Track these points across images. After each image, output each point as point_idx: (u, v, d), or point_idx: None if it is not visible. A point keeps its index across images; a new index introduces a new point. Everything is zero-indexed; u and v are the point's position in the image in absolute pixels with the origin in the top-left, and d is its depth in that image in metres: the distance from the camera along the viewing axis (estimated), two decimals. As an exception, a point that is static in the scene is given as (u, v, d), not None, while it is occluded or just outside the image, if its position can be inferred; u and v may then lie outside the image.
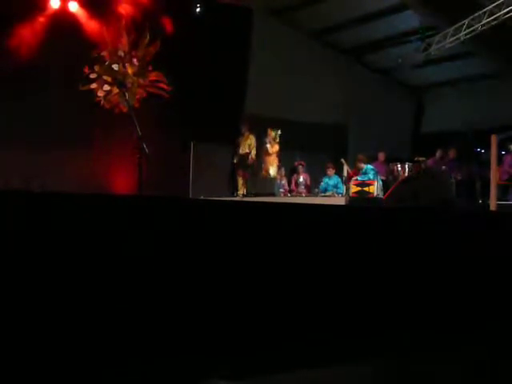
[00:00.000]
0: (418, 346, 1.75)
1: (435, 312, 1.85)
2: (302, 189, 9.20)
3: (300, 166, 9.59)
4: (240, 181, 9.57)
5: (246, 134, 9.75)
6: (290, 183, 9.88)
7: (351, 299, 1.70)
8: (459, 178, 8.85)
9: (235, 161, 9.71)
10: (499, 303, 2.01)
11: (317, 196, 8.78)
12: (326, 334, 1.62)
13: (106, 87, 9.16)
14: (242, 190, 9.32)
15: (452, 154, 9.37)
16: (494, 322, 1.95)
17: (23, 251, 1.22)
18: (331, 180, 9.41)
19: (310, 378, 1.50)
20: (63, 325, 1.24)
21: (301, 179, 9.34)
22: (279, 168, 9.48)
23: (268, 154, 9.59)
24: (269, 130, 9.66)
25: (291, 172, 9.87)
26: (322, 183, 9.40)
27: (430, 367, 1.67)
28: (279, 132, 9.64)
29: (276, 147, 9.58)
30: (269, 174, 9.46)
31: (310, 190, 9.41)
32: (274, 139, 9.64)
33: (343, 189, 9.07)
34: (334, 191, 9.09)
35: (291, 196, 8.97)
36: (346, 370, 1.57)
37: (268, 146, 9.63)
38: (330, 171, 9.46)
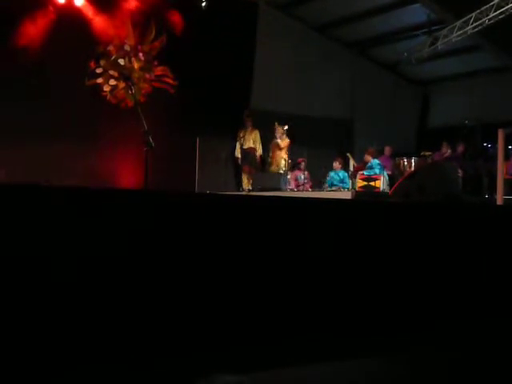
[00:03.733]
0: (420, 343, 1.75)
1: (436, 310, 1.85)
2: (301, 185, 9.20)
3: (303, 163, 9.57)
4: (245, 176, 9.57)
5: (250, 128, 9.74)
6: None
7: (352, 297, 1.69)
8: (464, 172, 8.82)
9: (239, 155, 9.72)
10: (503, 299, 2.01)
11: (323, 190, 8.76)
12: (327, 330, 1.62)
13: (112, 82, 9.16)
14: (247, 185, 9.32)
15: (461, 148, 9.34)
16: (496, 320, 1.94)
17: (30, 244, 1.22)
18: (337, 175, 9.40)
19: (310, 375, 1.50)
20: (64, 323, 1.24)
21: (302, 176, 9.32)
22: (287, 162, 9.47)
23: (279, 148, 9.58)
24: (276, 125, 9.64)
25: (294, 168, 9.84)
26: (327, 178, 9.39)
27: (430, 366, 1.66)
28: (286, 127, 9.63)
29: (286, 141, 9.57)
30: (280, 169, 9.45)
31: (312, 186, 9.40)
32: (283, 134, 9.63)
33: (349, 183, 9.06)
34: (341, 186, 9.08)
35: (297, 191, 8.96)
36: (346, 366, 1.57)
37: (279, 140, 9.61)
38: (337, 165, 9.45)
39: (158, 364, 1.33)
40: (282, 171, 9.29)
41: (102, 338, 1.27)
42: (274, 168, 9.60)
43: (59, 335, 1.23)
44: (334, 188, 8.98)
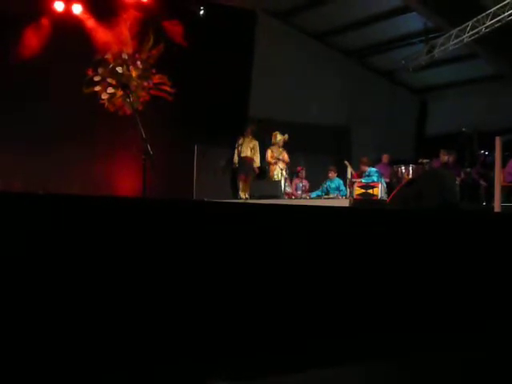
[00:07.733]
0: (419, 346, 1.75)
1: (436, 313, 1.85)
2: (299, 194, 9.24)
3: (302, 172, 9.59)
4: (241, 184, 9.52)
5: (249, 137, 9.73)
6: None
7: (352, 300, 1.69)
8: (462, 179, 8.82)
9: (236, 163, 9.67)
10: (501, 304, 2.01)
11: (321, 198, 8.78)
12: (326, 335, 1.61)
13: (110, 90, 9.18)
14: (243, 193, 9.30)
15: (452, 158, 9.33)
16: (495, 323, 1.94)
17: (26, 253, 1.22)
18: (333, 183, 9.42)
19: (309, 379, 1.49)
20: (66, 327, 1.24)
21: (300, 184, 9.36)
22: (284, 171, 9.48)
23: (274, 157, 9.59)
24: (276, 134, 9.64)
25: (292, 176, 9.85)
26: (324, 185, 9.41)
27: (430, 368, 1.66)
28: (287, 136, 9.62)
29: (282, 151, 9.60)
30: (275, 177, 9.46)
31: (309, 193, 9.44)
32: (281, 142, 9.63)
33: (346, 191, 9.08)
34: (338, 194, 9.10)
35: (295, 199, 8.97)
36: (346, 370, 1.56)
37: (275, 148, 9.62)
38: (332, 174, 9.48)
39: (154, 373, 1.32)
40: (279, 179, 9.30)
41: (98, 347, 1.27)
42: (269, 176, 9.61)
43: (58, 341, 1.23)
44: (331, 196, 8.99)
